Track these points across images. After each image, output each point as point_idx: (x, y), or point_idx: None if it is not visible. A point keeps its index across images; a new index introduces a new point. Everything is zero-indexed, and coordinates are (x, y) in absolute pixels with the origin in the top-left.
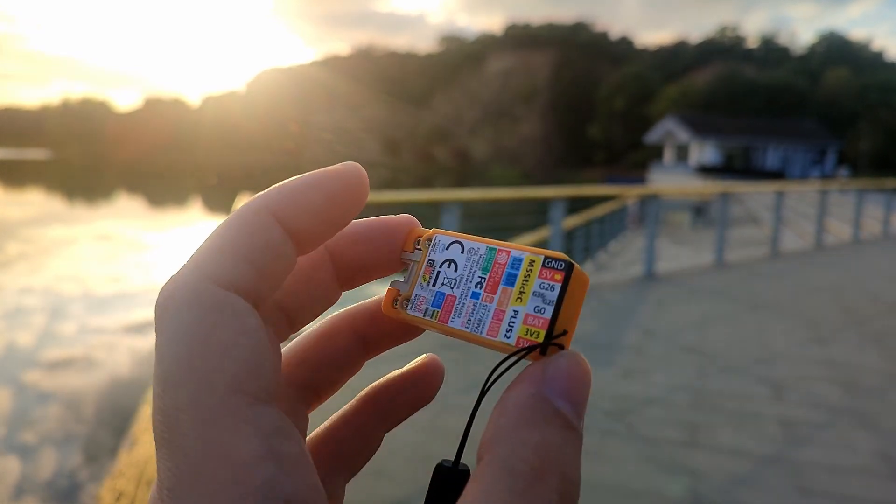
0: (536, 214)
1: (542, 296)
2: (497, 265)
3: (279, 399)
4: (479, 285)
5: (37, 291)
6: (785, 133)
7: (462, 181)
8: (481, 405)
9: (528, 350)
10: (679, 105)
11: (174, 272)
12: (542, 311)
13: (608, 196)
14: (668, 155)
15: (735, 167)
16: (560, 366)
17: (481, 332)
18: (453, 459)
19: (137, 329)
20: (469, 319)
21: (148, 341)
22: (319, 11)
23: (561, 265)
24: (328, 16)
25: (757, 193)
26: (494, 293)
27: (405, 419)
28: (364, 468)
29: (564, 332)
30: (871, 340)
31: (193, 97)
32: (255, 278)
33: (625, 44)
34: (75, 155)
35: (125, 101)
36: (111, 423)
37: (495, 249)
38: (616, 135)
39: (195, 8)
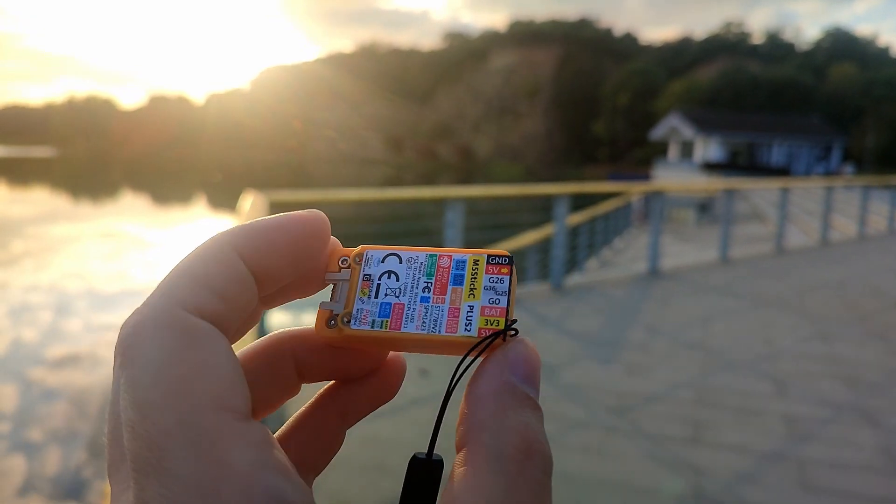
0: (540, 211)
1: (493, 289)
2: (441, 269)
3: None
4: (426, 289)
5: (42, 289)
6: (790, 129)
7: (465, 178)
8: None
9: (494, 337)
10: (684, 101)
11: (139, 306)
12: (497, 301)
13: (613, 193)
14: (673, 151)
15: (740, 164)
16: (519, 352)
17: (439, 331)
18: (426, 451)
19: None
20: (423, 322)
21: None
22: (323, 9)
23: (505, 260)
24: (332, 13)
25: (762, 190)
26: (444, 294)
27: (366, 415)
28: (367, 463)
29: (515, 320)
30: (876, 337)
31: (198, 95)
32: (221, 307)
33: (629, 40)
34: (80, 153)
35: (130, 98)
36: None
37: (436, 255)
38: (620, 131)
39: (199, 6)
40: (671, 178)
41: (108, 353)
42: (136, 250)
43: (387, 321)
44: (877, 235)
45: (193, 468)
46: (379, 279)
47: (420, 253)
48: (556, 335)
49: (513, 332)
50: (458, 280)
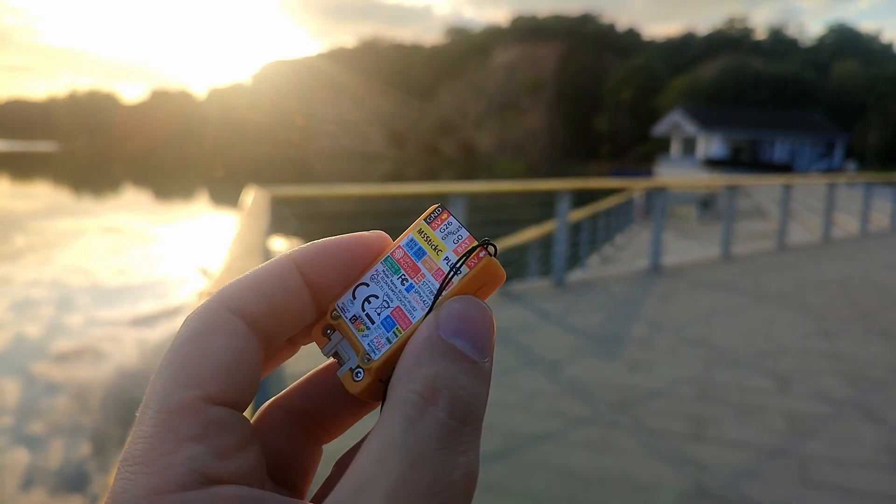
0: (542, 207)
1: (450, 234)
2: (401, 260)
3: (241, 407)
4: (404, 281)
5: (45, 283)
6: (793, 126)
7: (467, 174)
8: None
9: (473, 249)
10: (686, 97)
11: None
12: (460, 237)
13: (615, 189)
14: (675, 148)
15: (742, 160)
16: (452, 309)
17: (440, 294)
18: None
19: (144, 321)
20: (423, 300)
21: (154, 333)
22: (325, 3)
23: (437, 210)
24: (334, 8)
25: (764, 187)
26: (418, 272)
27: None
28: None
29: (487, 239)
30: (877, 333)
31: (200, 89)
32: (266, 312)
33: (632, 36)
34: (82, 147)
35: (132, 93)
36: (118, 414)
37: (388, 256)
38: (622, 127)
39: (201, 0)
40: (673, 174)
41: (110, 348)
42: (139, 245)
43: (397, 328)
44: (879, 232)
45: (150, 428)
46: (364, 311)
47: (377, 266)
48: (558, 331)
49: (487, 242)
50: (420, 253)
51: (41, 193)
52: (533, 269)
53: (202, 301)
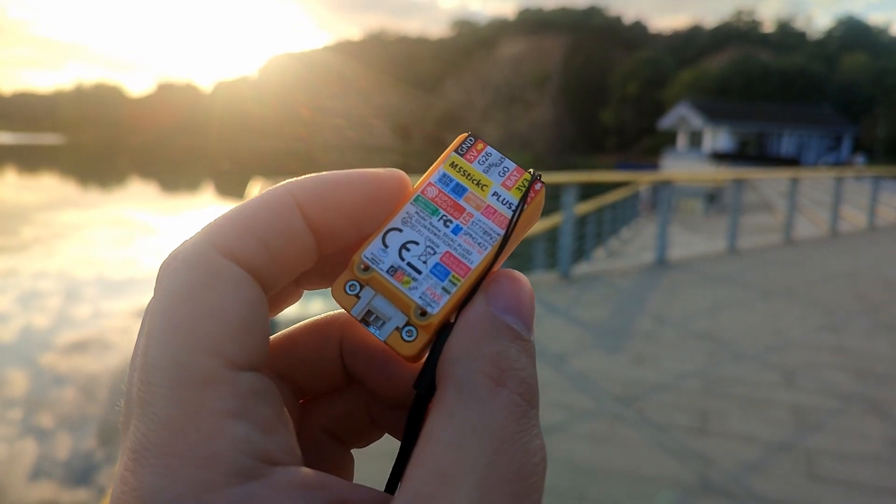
0: (548, 200)
1: (493, 166)
2: (437, 199)
3: (264, 370)
4: (447, 223)
5: (51, 275)
6: (800, 119)
7: None
8: None
9: (529, 181)
10: (693, 90)
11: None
12: (506, 169)
13: (621, 182)
14: (682, 141)
15: (749, 153)
16: (502, 285)
17: (499, 233)
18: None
19: None
20: (478, 241)
21: None
22: None
23: (471, 140)
24: (339, 0)
25: (771, 180)
26: (462, 211)
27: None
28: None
29: (532, 170)
30: (884, 327)
31: (205, 82)
32: (264, 257)
33: (638, 28)
34: (89, 140)
35: (138, 86)
36: None
37: (419, 196)
38: (629, 120)
39: None
40: (680, 167)
41: (117, 339)
42: (145, 237)
43: (453, 276)
44: (887, 226)
45: (170, 408)
46: (403, 260)
47: (406, 207)
48: (564, 324)
49: (538, 176)
50: (459, 189)
51: (48, 186)
52: (539, 262)
53: (186, 241)
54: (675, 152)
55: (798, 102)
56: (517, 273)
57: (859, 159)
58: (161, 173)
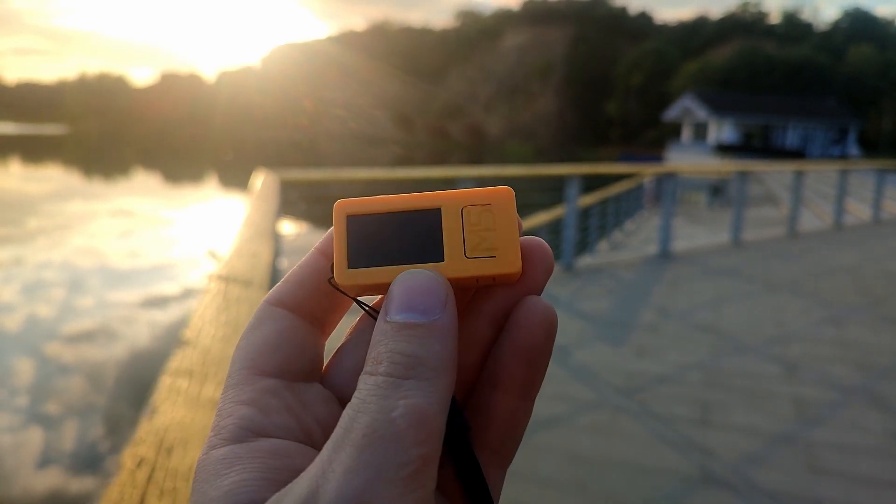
0: (552, 192)
1: None
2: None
3: (290, 375)
4: None
5: (56, 265)
6: (805, 111)
7: (476, 158)
8: None
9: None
10: (698, 82)
11: None
12: None
13: (624, 174)
14: (686, 133)
15: (754, 146)
16: (391, 292)
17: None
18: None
19: (155, 303)
20: None
21: (166, 315)
22: None
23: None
24: None
25: (775, 173)
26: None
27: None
28: None
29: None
30: (888, 321)
31: (209, 72)
32: (303, 295)
33: (643, 19)
34: (92, 130)
35: (142, 76)
36: (130, 394)
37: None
38: (633, 112)
39: None
40: (684, 159)
41: (121, 329)
42: (149, 228)
43: None
44: (891, 220)
45: (218, 408)
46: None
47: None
48: (567, 316)
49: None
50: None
51: (52, 176)
52: None
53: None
54: (679, 144)
55: (803, 95)
56: (411, 271)
57: (854, 152)
58: (165, 163)
